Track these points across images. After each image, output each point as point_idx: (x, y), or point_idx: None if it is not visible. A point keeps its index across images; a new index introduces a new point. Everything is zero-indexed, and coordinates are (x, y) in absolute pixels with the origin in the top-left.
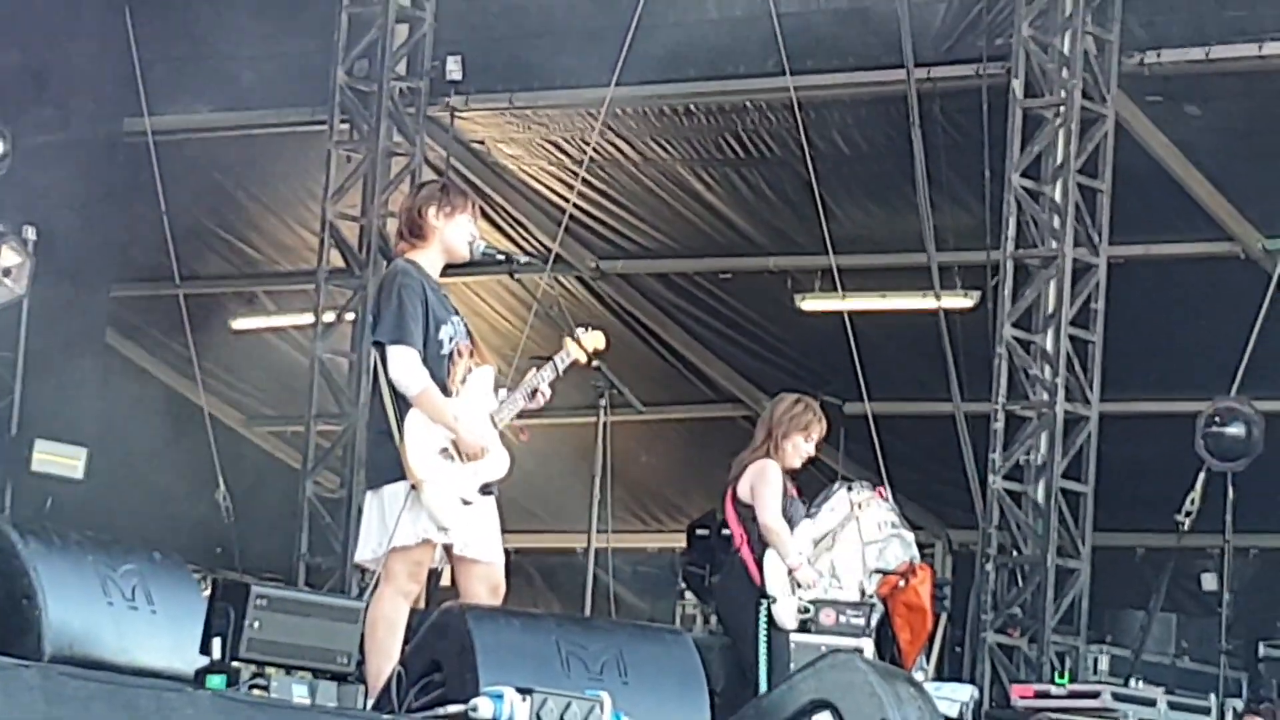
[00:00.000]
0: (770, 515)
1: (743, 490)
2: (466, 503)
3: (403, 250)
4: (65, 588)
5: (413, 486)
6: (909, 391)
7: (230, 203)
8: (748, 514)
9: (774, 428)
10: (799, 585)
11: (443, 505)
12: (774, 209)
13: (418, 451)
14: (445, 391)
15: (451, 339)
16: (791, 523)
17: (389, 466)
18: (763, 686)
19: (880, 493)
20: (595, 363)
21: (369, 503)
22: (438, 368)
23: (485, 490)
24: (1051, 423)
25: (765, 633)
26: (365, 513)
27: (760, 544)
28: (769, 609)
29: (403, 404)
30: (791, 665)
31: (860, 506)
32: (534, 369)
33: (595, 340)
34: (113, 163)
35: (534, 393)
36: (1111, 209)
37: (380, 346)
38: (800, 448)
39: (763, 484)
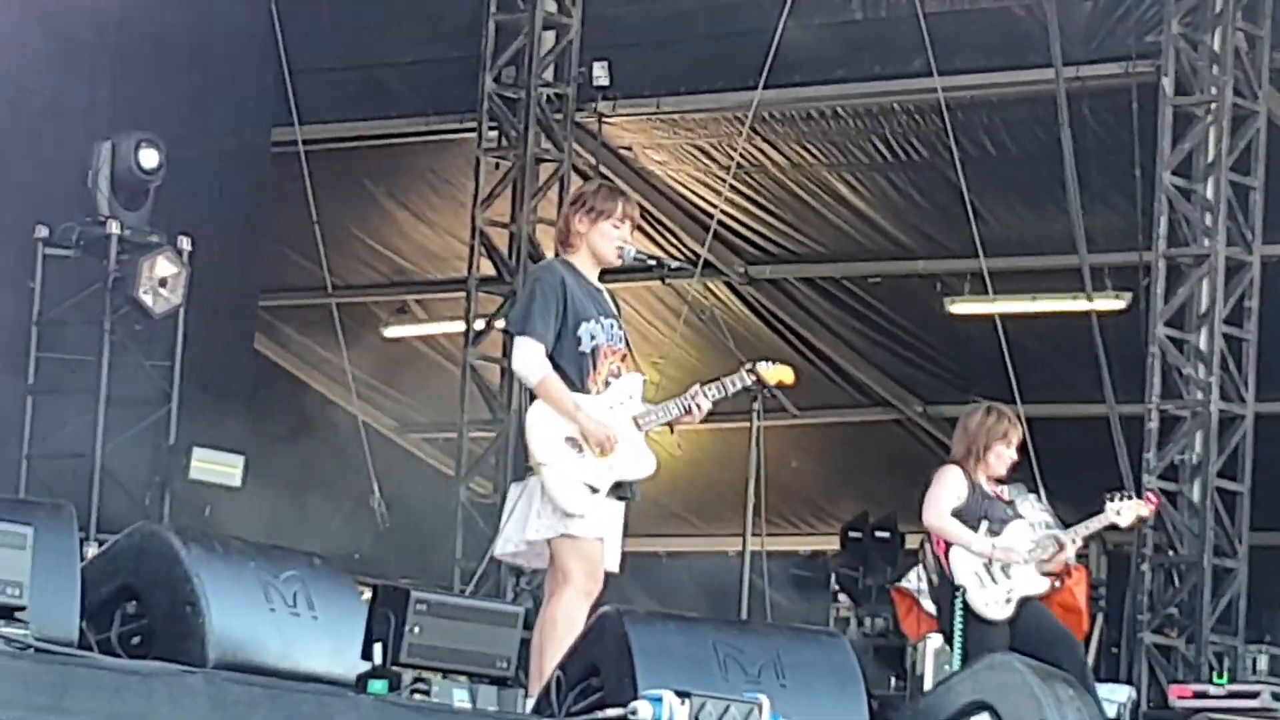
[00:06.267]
0: (932, 514)
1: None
2: (594, 490)
3: (558, 254)
4: (228, 594)
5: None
6: (1061, 394)
7: (380, 211)
8: None
9: (972, 442)
10: (1001, 573)
11: (565, 489)
12: (922, 212)
13: (540, 438)
14: (583, 389)
15: (593, 338)
16: (991, 519)
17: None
18: None
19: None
20: (768, 390)
21: (512, 493)
22: (572, 364)
23: (620, 493)
24: (1206, 421)
25: (961, 624)
26: (508, 504)
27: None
28: (963, 599)
29: (531, 394)
30: None
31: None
32: (698, 384)
33: (782, 374)
34: (263, 172)
35: (690, 408)
36: (1265, 206)
37: (509, 336)
38: (1004, 455)
39: (935, 485)
